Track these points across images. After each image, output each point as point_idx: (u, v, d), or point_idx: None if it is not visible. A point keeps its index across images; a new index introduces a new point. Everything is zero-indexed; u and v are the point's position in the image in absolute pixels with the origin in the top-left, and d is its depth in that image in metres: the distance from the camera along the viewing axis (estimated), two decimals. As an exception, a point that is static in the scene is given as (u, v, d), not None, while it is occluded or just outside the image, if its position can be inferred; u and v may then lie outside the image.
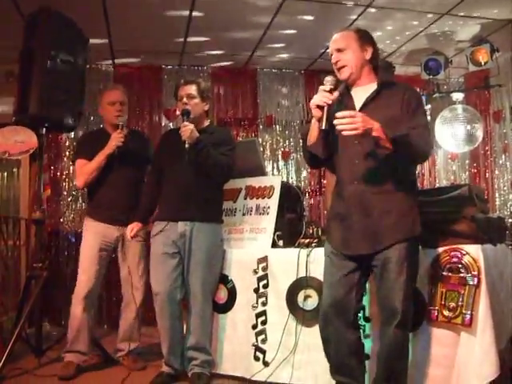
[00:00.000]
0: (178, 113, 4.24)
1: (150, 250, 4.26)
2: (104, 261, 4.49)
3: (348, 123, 2.86)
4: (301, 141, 3.65)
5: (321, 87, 3.11)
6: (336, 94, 3.12)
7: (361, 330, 3.49)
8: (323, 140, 3.21)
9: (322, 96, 3.05)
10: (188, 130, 3.92)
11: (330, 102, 3.04)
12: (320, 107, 3.05)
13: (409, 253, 3.11)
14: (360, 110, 3.15)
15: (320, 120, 3.05)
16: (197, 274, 4.11)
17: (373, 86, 3.26)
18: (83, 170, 4.45)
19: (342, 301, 3.22)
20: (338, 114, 2.89)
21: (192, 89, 4.23)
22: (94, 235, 4.47)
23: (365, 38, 3.28)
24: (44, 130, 4.89)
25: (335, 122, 2.89)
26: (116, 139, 4.39)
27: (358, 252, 3.16)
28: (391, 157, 3.03)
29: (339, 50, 3.24)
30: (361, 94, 3.27)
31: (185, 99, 4.19)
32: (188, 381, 4.08)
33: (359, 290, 3.28)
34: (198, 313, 4.13)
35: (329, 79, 3.13)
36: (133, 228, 4.23)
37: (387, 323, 3.13)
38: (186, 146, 3.89)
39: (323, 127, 3.03)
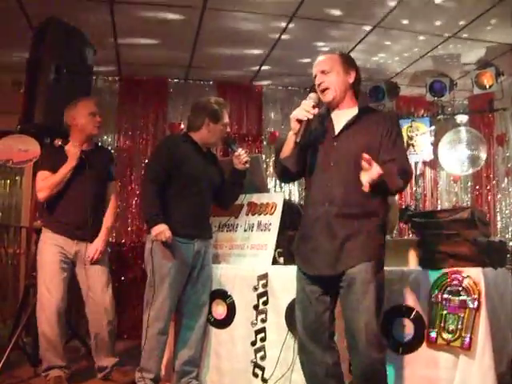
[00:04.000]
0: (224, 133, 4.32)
1: (161, 261, 3.94)
2: (66, 273, 4.33)
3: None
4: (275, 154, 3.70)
5: (303, 102, 3.14)
6: (317, 110, 3.13)
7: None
8: (297, 155, 3.23)
9: (304, 110, 3.08)
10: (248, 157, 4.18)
11: (311, 116, 3.08)
12: (299, 121, 3.08)
13: (374, 273, 3.05)
14: (338, 134, 3.20)
15: (297, 133, 3.09)
16: (206, 290, 4.22)
17: (353, 111, 3.27)
18: (47, 183, 4.26)
19: (314, 325, 3.20)
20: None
21: None
22: (52, 248, 4.28)
23: (349, 61, 3.31)
24: (49, 139, 4.89)
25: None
26: (72, 155, 4.28)
27: (321, 273, 3.13)
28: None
29: (323, 72, 3.25)
30: (341, 117, 3.26)
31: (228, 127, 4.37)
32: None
33: (332, 312, 3.24)
34: (201, 326, 4.19)
35: (312, 96, 3.17)
36: (166, 229, 3.86)
37: (354, 346, 3.06)
38: (242, 166, 4.19)
39: (298, 140, 3.09)
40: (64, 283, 4.30)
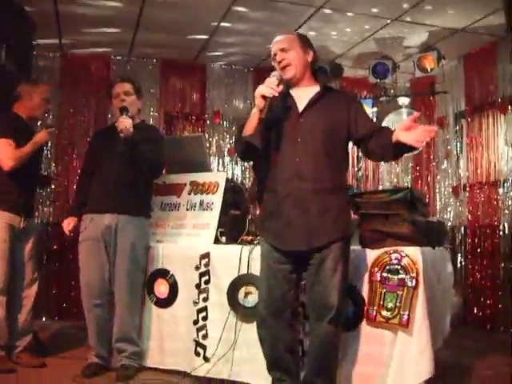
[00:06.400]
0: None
1: (80, 240, 4.26)
2: (12, 252, 4.29)
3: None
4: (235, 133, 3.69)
5: (268, 79, 3.17)
6: (281, 87, 3.18)
7: (301, 328, 3.54)
8: (261, 131, 3.23)
9: (269, 87, 3.10)
10: (126, 122, 4.00)
11: (277, 93, 3.11)
12: (265, 97, 3.09)
13: (343, 252, 3.21)
14: (304, 111, 3.26)
15: (262, 110, 3.10)
16: (122, 266, 4.15)
17: (314, 89, 3.34)
18: (15, 154, 4.18)
19: (278, 302, 3.27)
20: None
21: (129, 86, 4.32)
22: (2, 226, 4.23)
23: (306, 41, 3.41)
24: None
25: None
26: (44, 137, 4.38)
27: (296, 248, 3.19)
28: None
29: (283, 50, 3.32)
30: (302, 94, 3.32)
31: (122, 96, 4.26)
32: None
33: (296, 290, 3.33)
34: (124, 304, 4.16)
35: (276, 74, 3.22)
36: (69, 223, 4.31)
37: (320, 319, 3.19)
38: (121, 135, 3.97)
39: (263, 116, 3.10)
40: (10, 264, 4.27)
